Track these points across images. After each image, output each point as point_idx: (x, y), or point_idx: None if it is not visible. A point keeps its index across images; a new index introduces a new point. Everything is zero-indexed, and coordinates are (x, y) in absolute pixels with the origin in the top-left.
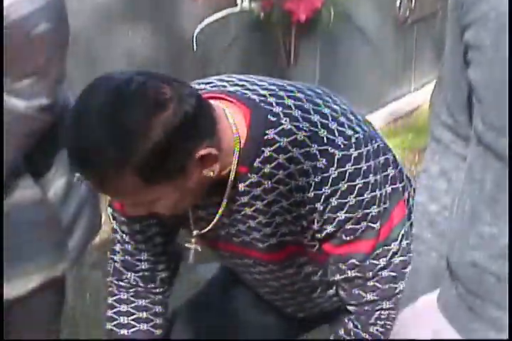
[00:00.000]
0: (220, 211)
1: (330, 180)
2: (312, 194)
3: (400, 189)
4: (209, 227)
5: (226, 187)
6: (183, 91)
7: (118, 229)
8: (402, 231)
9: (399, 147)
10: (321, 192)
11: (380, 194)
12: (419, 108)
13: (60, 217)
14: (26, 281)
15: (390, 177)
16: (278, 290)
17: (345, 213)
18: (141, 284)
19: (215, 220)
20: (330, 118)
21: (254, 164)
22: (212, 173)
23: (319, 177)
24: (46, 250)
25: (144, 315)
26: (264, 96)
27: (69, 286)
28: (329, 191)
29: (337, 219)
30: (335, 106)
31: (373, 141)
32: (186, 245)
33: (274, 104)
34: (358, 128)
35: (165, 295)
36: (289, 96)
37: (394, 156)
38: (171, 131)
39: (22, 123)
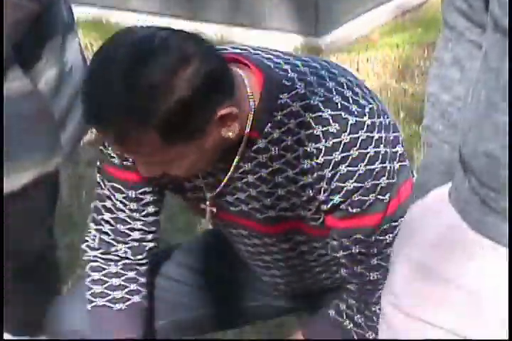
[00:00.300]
0: (226, 178)
1: (341, 146)
2: (322, 160)
3: (408, 167)
4: (215, 193)
5: (233, 154)
6: (205, 49)
7: (111, 197)
8: None
9: (407, 42)
10: (331, 157)
11: (390, 167)
12: (428, 1)
13: (52, 110)
14: (20, 177)
15: (398, 154)
16: (269, 265)
17: (354, 182)
18: (130, 256)
19: (220, 186)
20: (345, 87)
21: (265, 129)
22: (231, 134)
23: (330, 143)
24: (39, 144)
25: (135, 287)
26: (279, 63)
27: (64, 184)
28: (340, 157)
29: (345, 189)
30: (349, 78)
31: (386, 116)
32: (202, 206)
33: (289, 71)
34: (371, 100)
35: (147, 266)
36: (303, 65)
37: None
38: (195, 87)
39: (10, 11)
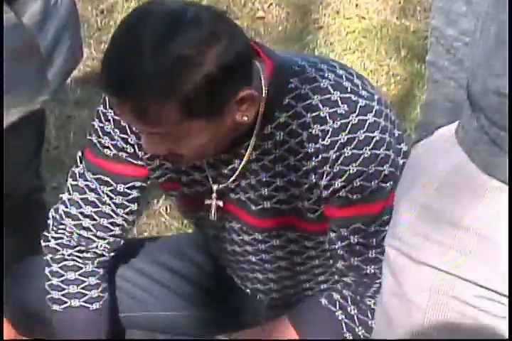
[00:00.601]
0: (241, 165)
1: (349, 127)
2: (328, 141)
3: None
4: (227, 183)
5: (240, 144)
6: (234, 28)
7: (96, 189)
8: None
9: None
10: (337, 138)
11: (394, 157)
12: None
13: (38, 44)
14: (5, 115)
15: (402, 151)
16: (254, 267)
17: (357, 166)
18: (106, 253)
19: (234, 175)
20: (355, 76)
21: (274, 114)
22: (246, 119)
23: (338, 123)
24: (24, 81)
25: (106, 284)
26: (288, 54)
27: (52, 125)
28: (346, 138)
29: (348, 173)
30: (358, 74)
31: (391, 112)
32: (207, 202)
33: (299, 60)
34: (379, 94)
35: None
36: (314, 57)
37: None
38: (222, 65)
39: None
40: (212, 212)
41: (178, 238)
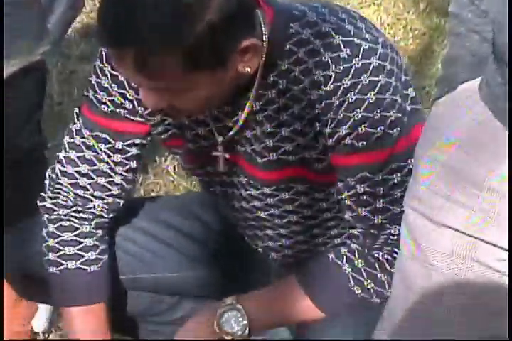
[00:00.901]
0: (243, 116)
1: (352, 71)
2: (331, 87)
3: (421, 111)
4: (232, 134)
5: (242, 95)
6: None
7: (93, 147)
8: None
9: None
10: (340, 84)
11: (401, 101)
12: None
13: None
14: (5, 66)
15: (410, 96)
16: (264, 224)
17: (362, 112)
18: (105, 214)
19: (238, 127)
20: (358, 19)
21: (275, 62)
22: (249, 69)
23: (341, 68)
24: (24, 30)
25: (104, 246)
26: (288, 1)
27: (55, 81)
28: (349, 83)
29: (352, 119)
30: (362, 17)
31: (398, 55)
32: (214, 154)
33: (299, 6)
34: (383, 37)
35: (112, 223)
36: (315, 2)
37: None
38: (226, 13)
39: None
40: (220, 163)
41: (183, 197)
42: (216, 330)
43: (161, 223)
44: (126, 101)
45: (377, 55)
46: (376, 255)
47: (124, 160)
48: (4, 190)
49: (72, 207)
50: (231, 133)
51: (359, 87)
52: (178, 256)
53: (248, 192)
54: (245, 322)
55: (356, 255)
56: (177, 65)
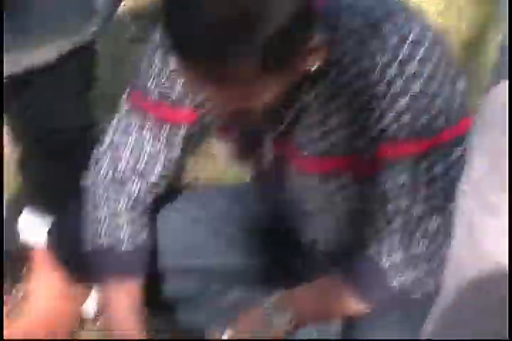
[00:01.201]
0: (291, 110)
1: (398, 60)
2: (377, 76)
3: (469, 105)
4: (282, 127)
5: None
6: None
7: (139, 132)
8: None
9: None
10: (386, 72)
11: (448, 93)
12: None
13: None
14: (53, 48)
15: (458, 88)
16: (308, 216)
17: (408, 100)
18: (145, 196)
19: (289, 118)
20: (408, 7)
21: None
22: (314, 68)
23: (388, 56)
24: (71, 10)
25: (144, 224)
26: None
27: (104, 62)
28: (395, 72)
29: (397, 107)
30: (412, 5)
31: (448, 45)
32: (262, 145)
33: None
34: (434, 27)
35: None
36: None
37: None
38: (302, 13)
39: None
40: (268, 154)
41: (233, 186)
42: (262, 325)
43: (211, 210)
44: (175, 90)
45: (426, 43)
46: (414, 251)
47: (167, 148)
48: (57, 171)
49: (109, 187)
50: (280, 124)
51: (405, 75)
52: (226, 243)
53: (295, 183)
54: (290, 317)
55: (394, 249)
56: (250, 72)
